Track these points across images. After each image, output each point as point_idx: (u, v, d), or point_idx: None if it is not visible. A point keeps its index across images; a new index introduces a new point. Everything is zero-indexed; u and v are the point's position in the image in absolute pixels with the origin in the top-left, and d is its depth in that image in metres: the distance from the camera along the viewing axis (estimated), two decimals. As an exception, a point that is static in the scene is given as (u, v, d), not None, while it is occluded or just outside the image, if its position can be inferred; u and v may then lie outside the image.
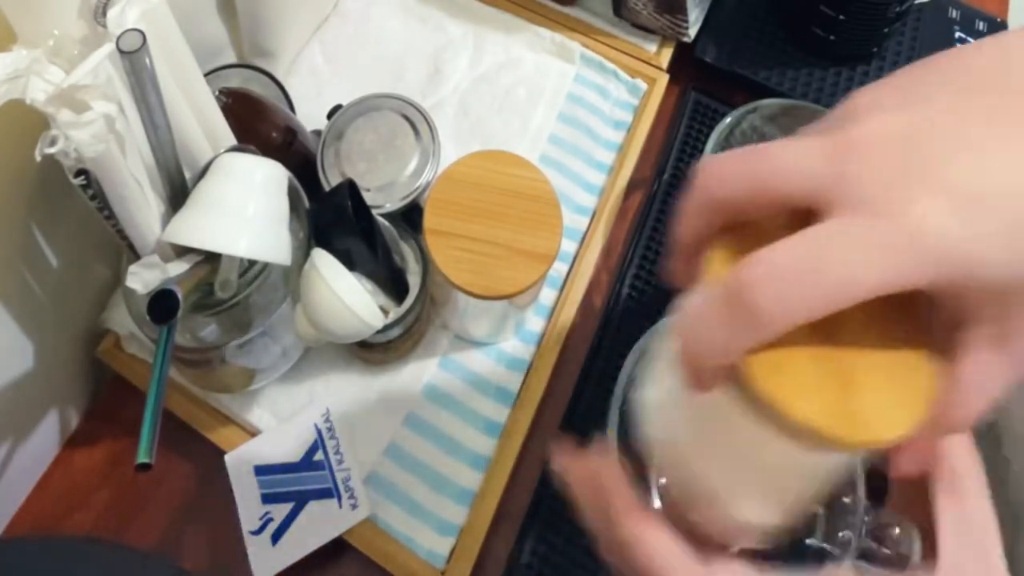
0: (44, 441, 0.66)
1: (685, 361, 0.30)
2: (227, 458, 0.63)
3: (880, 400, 0.29)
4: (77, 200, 0.49)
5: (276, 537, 0.61)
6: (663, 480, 0.44)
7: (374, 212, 0.60)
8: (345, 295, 0.51)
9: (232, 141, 0.57)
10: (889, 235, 0.26)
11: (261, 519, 0.62)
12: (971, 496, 0.36)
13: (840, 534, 0.58)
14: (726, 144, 0.74)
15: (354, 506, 0.61)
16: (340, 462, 0.63)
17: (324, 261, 0.52)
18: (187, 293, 0.50)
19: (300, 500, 0.62)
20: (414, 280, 0.62)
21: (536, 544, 0.64)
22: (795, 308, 0.27)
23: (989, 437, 0.79)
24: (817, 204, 0.28)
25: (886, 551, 0.56)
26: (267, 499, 0.62)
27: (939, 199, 0.26)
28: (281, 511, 0.62)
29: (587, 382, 0.70)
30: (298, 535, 0.61)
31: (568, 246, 0.75)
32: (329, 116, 0.68)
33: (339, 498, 0.62)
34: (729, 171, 0.30)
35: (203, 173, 0.52)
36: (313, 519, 0.61)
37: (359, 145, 0.66)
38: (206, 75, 0.54)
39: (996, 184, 0.27)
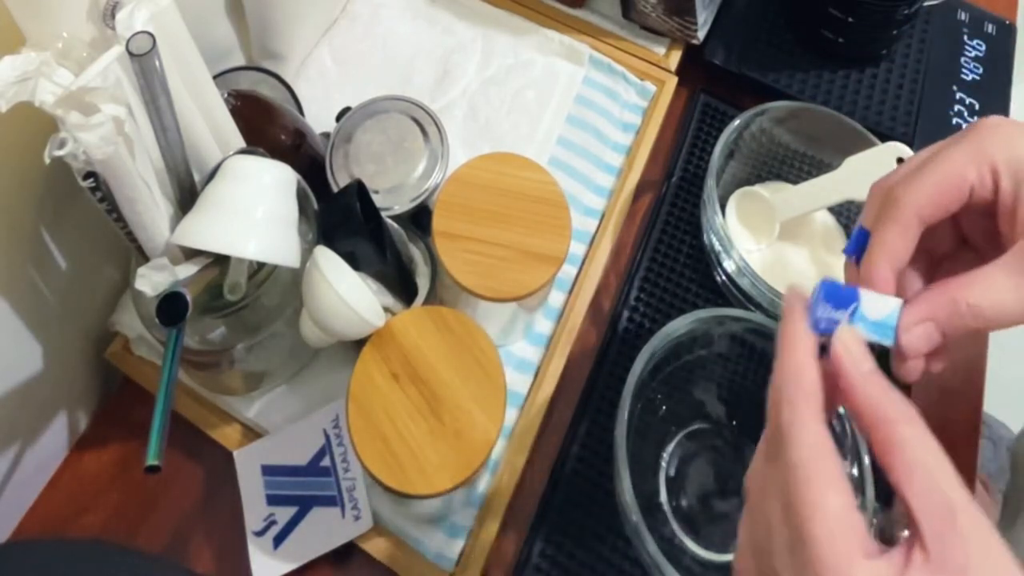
0: (53, 443, 0.66)
1: None
2: (236, 454, 0.63)
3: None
4: (86, 203, 0.49)
5: (278, 541, 0.61)
6: None
7: (383, 214, 0.60)
8: (346, 292, 0.51)
9: (241, 143, 0.57)
10: None
11: (265, 520, 0.62)
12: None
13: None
14: (735, 147, 0.73)
15: (357, 517, 0.61)
16: (347, 470, 0.63)
17: (325, 258, 0.52)
18: (196, 295, 0.50)
19: (304, 505, 0.62)
20: (423, 282, 0.62)
21: (545, 546, 0.63)
22: None
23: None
24: None
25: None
26: (272, 500, 0.62)
27: None
28: (285, 514, 0.62)
29: (596, 385, 0.69)
30: (299, 541, 0.61)
31: (577, 248, 0.75)
32: (338, 118, 0.68)
33: (343, 508, 0.62)
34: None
35: (212, 175, 0.52)
36: (316, 526, 0.61)
37: (368, 147, 0.66)
38: (215, 77, 0.54)
39: None
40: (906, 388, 0.70)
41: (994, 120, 0.43)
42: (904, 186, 0.42)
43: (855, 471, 0.59)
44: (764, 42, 0.86)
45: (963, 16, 0.90)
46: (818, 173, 0.72)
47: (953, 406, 0.71)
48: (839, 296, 0.40)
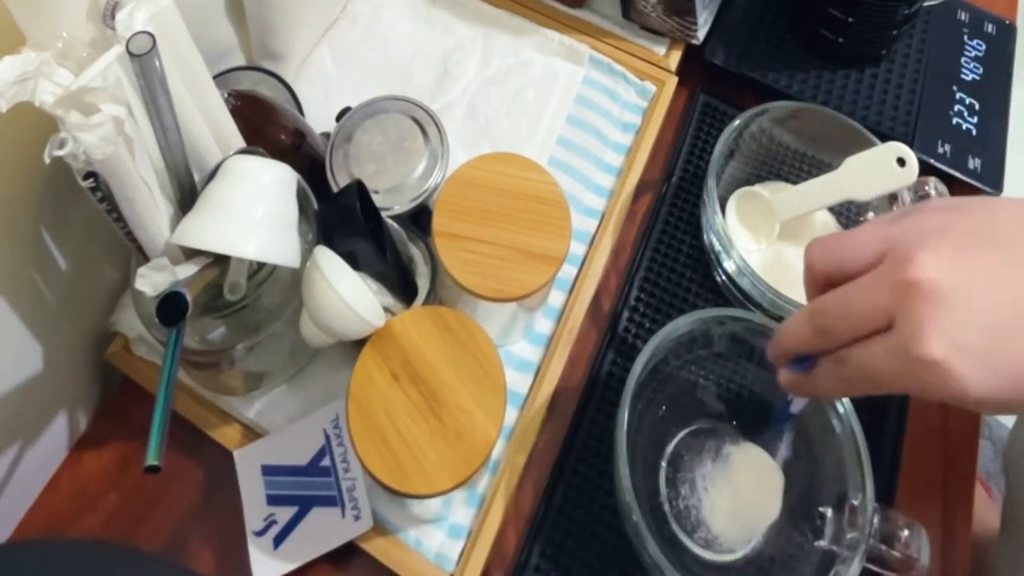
0: (53, 443, 0.66)
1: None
2: (236, 454, 0.63)
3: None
4: (86, 203, 0.49)
5: (278, 541, 0.61)
6: None
7: (383, 214, 0.60)
8: (346, 292, 0.51)
9: (241, 143, 0.57)
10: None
11: (265, 520, 0.62)
12: None
13: (848, 536, 0.57)
14: (735, 147, 0.73)
15: (357, 517, 0.61)
16: (347, 470, 0.63)
17: (325, 258, 0.52)
18: (196, 295, 0.50)
19: (304, 505, 0.62)
20: (423, 282, 0.62)
21: (545, 546, 0.63)
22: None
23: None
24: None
25: (895, 553, 0.56)
26: (272, 500, 0.62)
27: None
28: (285, 514, 0.62)
29: (596, 385, 0.69)
30: (300, 541, 0.61)
31: (577, 248, 0.75)
32: (338, 118, 0.68)
33: (343, 508, 0.62)
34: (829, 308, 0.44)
35: (212, 175, 0.52)
36: (316, 526, 0.61)
37: (368, 147, 0.66)
38: (215, 77, 0.54)
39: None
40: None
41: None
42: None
43: (855, 471, 0.59)
44: (764, 42, 0.86)
45: (963, 16, 0.90)
46: (818, 173, 0.72)
47: (953, 407, 0.71)
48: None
